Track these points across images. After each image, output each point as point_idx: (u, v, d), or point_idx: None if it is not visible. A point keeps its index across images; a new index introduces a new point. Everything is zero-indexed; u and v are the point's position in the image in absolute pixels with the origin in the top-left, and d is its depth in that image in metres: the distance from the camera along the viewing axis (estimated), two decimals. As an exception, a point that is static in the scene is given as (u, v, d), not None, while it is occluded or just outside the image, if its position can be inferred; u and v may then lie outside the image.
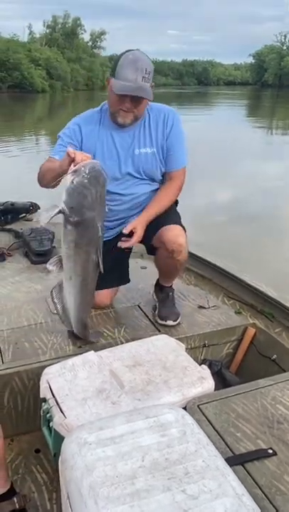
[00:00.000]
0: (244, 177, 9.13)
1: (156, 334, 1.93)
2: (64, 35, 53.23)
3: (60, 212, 1.59)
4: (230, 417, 1.40)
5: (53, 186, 1.80)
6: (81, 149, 1.89)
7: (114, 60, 1.84)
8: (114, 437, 1.17)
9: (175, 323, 2.07)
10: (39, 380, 1.58)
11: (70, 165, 1.59)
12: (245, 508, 1.00)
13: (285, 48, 73.20)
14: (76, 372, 1.56)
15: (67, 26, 54.18)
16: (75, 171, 1.54)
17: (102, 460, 1.10)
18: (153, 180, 2.05)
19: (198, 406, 1.44)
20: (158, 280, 2.24)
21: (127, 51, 1.81)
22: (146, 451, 1.14)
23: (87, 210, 1.59)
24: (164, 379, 1.54)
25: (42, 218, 1.62)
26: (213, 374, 1.66)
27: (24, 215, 3.34)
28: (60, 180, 1.72)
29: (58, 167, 1.69)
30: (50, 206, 1.62)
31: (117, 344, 1.87)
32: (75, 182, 1.54)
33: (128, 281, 2.28)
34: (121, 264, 2.21)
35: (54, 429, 1.40)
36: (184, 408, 1.42)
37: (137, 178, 2.02)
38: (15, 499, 1.39)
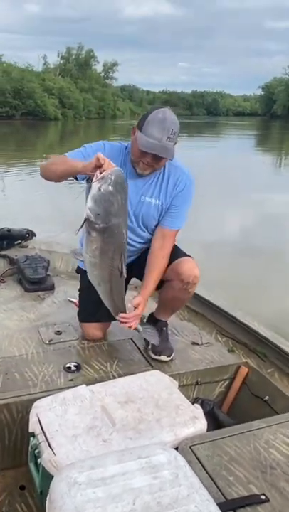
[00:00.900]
0: (251, 206, 9.10)
1: (150, 369, 1.91)
2: (77, 66, 54.58)
3: (85, 220, 1.59)
4: (222, 460, 1.38)
5: (57, 181, 1.81)
6: None
7: (144, 115, 1.88)
8: (105, 478, 1.14)
9: (169, 358, 2.06)
10: (28, 413, 1.55)
11: (94, 170, 1.58)
12: None
13: (293, 80, 75.21)
14: (67, 407, 1.53)
15: (80, 57, 55.58)
16: (102, 178, 1.55)
17: (92, 502, 1.07)
18: (146, 228, 2.07)
19: (190, 447, 1.41)
20: (152, 314, 2.24)
21: (157, 108, 1.86)
22: (137, 493, 1.11)
23: (113, 217, 1.60)
24: (156, 417, 1.51)
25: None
26: (205, 413, 1.64)
27: (20, 241, 3.33)
28: (67, 178, 1.77)
29: (79, 166, 1.68)
30: None
31: (110, 378, 1.85)
32: (102, 189, 1.55)
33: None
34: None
35: (42, 466, 1.36)
36: (176, 448, 1.40)
37: (132, 222, 2.02)
38: None
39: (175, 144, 1.86)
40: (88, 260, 1.71)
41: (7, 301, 2.59)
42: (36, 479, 1.42)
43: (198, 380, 2.05)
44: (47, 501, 1.16)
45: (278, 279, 5.19)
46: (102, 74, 60.21)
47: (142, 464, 1.20)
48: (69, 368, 1.93)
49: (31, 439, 1.48)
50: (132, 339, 2.23)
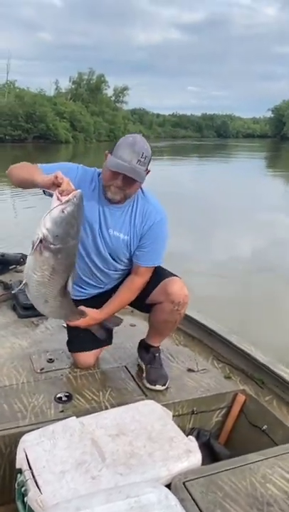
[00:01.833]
0: (261, 228, 9.04)
1: (143, 399, 1.86)
2: (88, 91, 55.33)
3: (40, 241, 1.57)
4: (217, 497, 1.31)
5: (17, 186, 1.82)
6: None
7: (116, 140, 1.88)
8: (92, 520, 1.09)
9: (164, 387, 2.00)
10: (16, 447, 1.49)
11: (52, 187, 1.59)
12: None
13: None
14: (56, 441, 1.47)
15: (91, 82, 56.28)
16: (67, 202, 1.54)
17: None
18: (117, 259, 2.02)
19: (183, 483, 1.35)
20: (144, 340, 2.19)
21: (129, 135, 1.87)
22: (125, 537, 1.05)
23: (71, 239, 1.61)
24: (148, 451, 1.45)
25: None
26: (201, 444, 1.58)
27: (14, 266, 3.31)
28: (27, 187, 1.79)
29: (39, 179, 1.66)
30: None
31: (101, 409, 1.79)
32: (66, 212, 1.54)
33: (110, 343, 2.22)
34: (103, 326, 2.15)
35: (28, 505, 1.30)
36: (170, 484, 1.34)
37: (102, 251, 1.99)
38: None
39: (147, 171, 1.84)
40: (35, 279, 1.66)
41: (0, 327, 2.54)
42: (23, 519, 1.35)
43: (194, 409, 1.98)
44: None
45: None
46: (113, 98, 61.21)
47: (131, 504, 1.14)
48: (60, 398, 1.88)
49: (18, 475, 1.42)
50: (125, 366, 2.18)
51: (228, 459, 1.57)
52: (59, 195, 1.56)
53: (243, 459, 1.48)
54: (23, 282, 1.73)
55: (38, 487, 1.30)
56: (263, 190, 14.56)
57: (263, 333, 3.91)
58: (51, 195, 1.63)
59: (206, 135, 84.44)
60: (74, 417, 1.60)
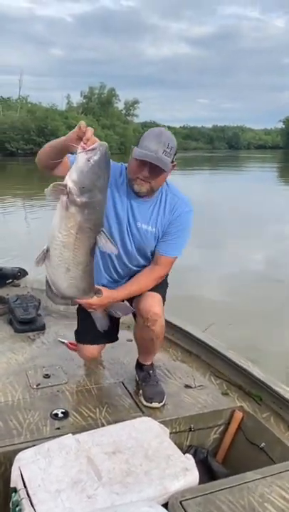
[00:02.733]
0: (273, 240, 8.94)
1: (140, 415, 1.84)
2: (99, 104, 55.80)
3: (66, 193, 1.45)
4: None
5: (47, 164, 1.70)
6: None
7: (141, 134, 1.87)
8: None
9: (160, 404, 1.98)
10: (11, 464, 1.47)
11: (77, 140, 1.48)
12: None
13: (313, 113, 76.70)
14: (51, 459, 1.45)
15: (102, 96, 56.74)
16: (92, 149, 1.42)
17: None
18: (142, 255, 2.01)
19: (180, 502, 1.33)
20: (137, 358, 2.18)
21: (154, 127, 1.87)
22: None
23: (98, 192, 1.47)
24: (144, 469, 1.44)
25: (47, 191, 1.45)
26: (198, 462, 1.56)
27: (11, 280, 3.30)
28: (55, 158, 1.64)
29: (63, 137, 1.58)
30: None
31: (98, 426, 1.77)
32: (91, 161, 1.42)
33: (116, 339, 2.22)
34: (110, 321, 2.08)
35: (23, 525, 1.28)
36: (166, 503, 1.32)
37: (129, 246, 1.97)
38: None
39: (173, 164, 1.83)
40: (60, 240, 1.53)
41: None
42: (17, 539, 1.33)
43: (192, 426, 1.96)
44: None
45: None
46: (124, 111, 61.63)
47: (127, 525, 1.12)
48: (56, 415, 1.86)
49: (13, 494, 1.39)
50: (122, 382, 2.17)
51: (226, 477, 1.55)
52: (84, 145, 1.45)
53: (240, 477, 1.46)
54: (44, 248, 1.58)
55: (33, 506, 1.28)
56: (281, 201, 14.50)
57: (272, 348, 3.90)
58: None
59: (218, 147, 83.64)
60: (70, 435, 1.58)
